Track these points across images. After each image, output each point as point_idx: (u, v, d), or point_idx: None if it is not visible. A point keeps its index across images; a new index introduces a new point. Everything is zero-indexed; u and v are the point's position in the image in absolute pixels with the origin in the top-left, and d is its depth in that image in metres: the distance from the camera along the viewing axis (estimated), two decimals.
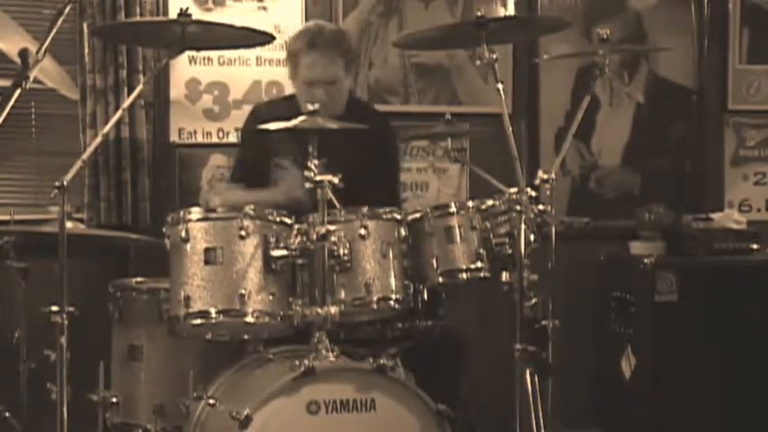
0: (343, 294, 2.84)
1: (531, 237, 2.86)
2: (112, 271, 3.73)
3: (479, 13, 2.92)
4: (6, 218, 3.52)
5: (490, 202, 3.03)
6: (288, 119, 2.93)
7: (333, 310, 2.78)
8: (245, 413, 2.61)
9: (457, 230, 2.97)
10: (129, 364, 3.17)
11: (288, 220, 2.88)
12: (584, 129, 4.58)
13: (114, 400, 3.16)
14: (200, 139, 4.29)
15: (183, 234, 2.81)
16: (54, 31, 2.79)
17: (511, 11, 4.49)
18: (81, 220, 3.97)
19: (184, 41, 2.92)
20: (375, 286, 2.85)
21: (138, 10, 4.04)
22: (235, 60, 4.29)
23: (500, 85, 2.86)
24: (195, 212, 2.86)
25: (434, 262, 2.96)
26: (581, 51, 4.44)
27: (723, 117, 4.85)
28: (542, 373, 2.83)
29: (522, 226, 2.78)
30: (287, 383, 2.67)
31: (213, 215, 2.87)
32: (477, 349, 3.36)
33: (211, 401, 2.85)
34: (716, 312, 4.19)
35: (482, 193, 3.16)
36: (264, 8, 4.29)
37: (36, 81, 2.85)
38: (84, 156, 2.87)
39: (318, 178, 2.78)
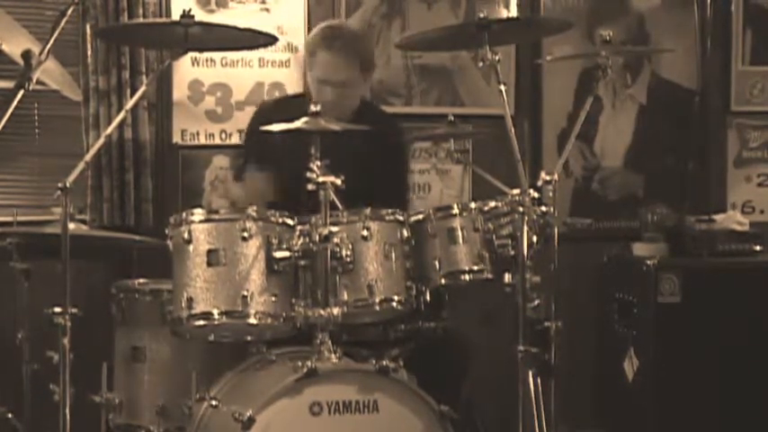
0: (345, 296, 2.84)
1: (534, 238, 2.87)
2: (115, 272, 3.73)
3: (482, 15, 2.91)
4: (9, 219, 3.52)
5: (493, 204, 3.03)
6: (293, 119, 2.93)
7: (335, 311, 2.78)
8: (248, 414, 2.61)
9: (459, 232, 2.98)
10: (132, 365, 3.18)
11: (290, 222, 2.88)
12: (587, 130, 4.58)
13: (117, 401, 3.17)
14: (202, 140, 4.29)
15: (186, 235, 2.81)
16: (57, 32, 2.78)
17: (513, 12, 4.49)
18: (84, 222, 3.97)
19: (187, 43, 2.92)
20: (378, 288, 2.85)
21: (140, 11, 4.04)
22: (237, 62, 4.28)
23: (503, 87, 2.85)
24: (198, 214, 2.86)
25: (437, 263, 2.96)
26: (584, 53, 4.44)
27: (726, 118, 4.84)
28: (545, 374, 2.83)
29: (525, 227, 2.79)
30: (290, 385, 2.67)
31: (216, 216, 2.87)
32: (479, 351, 3.36)
33: (214, 403, 2.85)
34: (719, 314, 4.18)
35: (485, 195, 3.16)
36: (267, 9, 4.29)
37: (39, 82, 2.84)
38: (87, 157, 2.86)
39: (321, 179, 2.78)
